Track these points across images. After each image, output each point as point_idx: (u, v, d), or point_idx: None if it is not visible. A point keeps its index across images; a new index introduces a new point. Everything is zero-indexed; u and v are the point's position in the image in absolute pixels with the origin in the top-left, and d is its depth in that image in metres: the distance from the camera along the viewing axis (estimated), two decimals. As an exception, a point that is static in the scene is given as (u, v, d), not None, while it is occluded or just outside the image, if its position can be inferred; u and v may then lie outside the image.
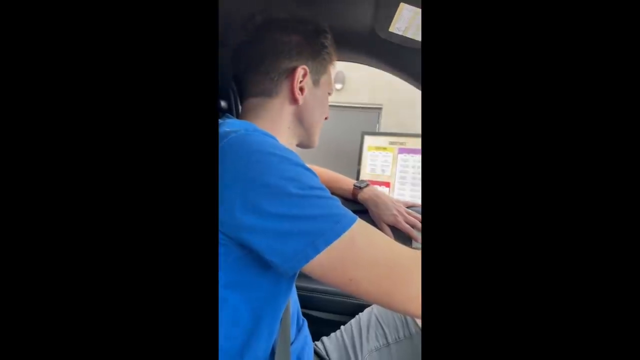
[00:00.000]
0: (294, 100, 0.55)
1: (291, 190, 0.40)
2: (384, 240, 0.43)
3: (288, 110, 0.56)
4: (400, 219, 0.78)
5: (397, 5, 0.58)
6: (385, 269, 0.41)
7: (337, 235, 0.40)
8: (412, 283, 0.41)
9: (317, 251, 0.39)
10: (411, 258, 0.42)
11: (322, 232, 0.40)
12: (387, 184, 2.63)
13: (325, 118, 0.63)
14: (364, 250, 0.41)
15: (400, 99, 3.18)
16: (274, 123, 0.55)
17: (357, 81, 3.39)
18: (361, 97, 3.34)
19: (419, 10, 0.57)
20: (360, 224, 0.42)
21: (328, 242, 0.40)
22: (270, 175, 0.40)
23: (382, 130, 3.21)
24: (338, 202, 0.44)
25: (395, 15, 0.61)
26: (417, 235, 0.79)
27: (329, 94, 0.62)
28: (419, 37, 0.65)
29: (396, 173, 2.58)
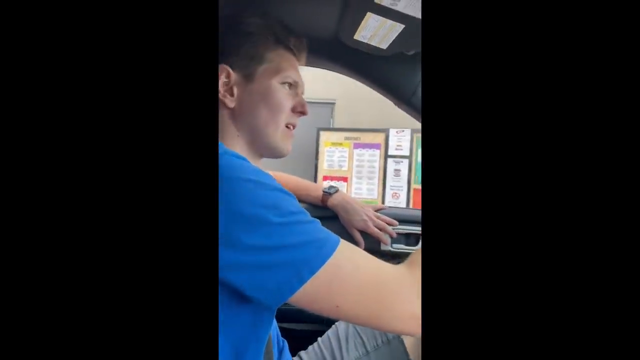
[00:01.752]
0: (223, 105, 0.50)
1: (271, 219, 0.38)
2: (369, 261, 0.43)
3: (226, 117, 0.51)
4: (370, 223, 0.79)
5: (363, 14, 0.57)
6: (372, 292, 0.41)
7: (323, 261, 0.39)
8: (400, 302, 0.41)
9: (303, 281, 0.38)
10: (397, 277, 0.42)
11: (306, 260, 0.38)
12: (345, 179, 2.66)
13: (301, 113, 0.55)
14: (350, 274, 0.40)
15: (353, 94, 3.21)
16: (224, 136, 0.51)
17: (309, 76, 3.37)
18: (314, 92, 3.33)
19: (386, 20, 0.57)
20: (343, 246, 0.41)
21: (314, 271, 0.38)
22: (246, 204, 0.38)
23: (336, 125, 3.23)
24: (319, 224, 0.42)
25: (362, 24, 0.60)
26: (386, 238, 0.81)
27: (288, 83, 0.53)
28: (384, 46, 0.66)
29: (353, 167, 2.61)
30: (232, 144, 0.51)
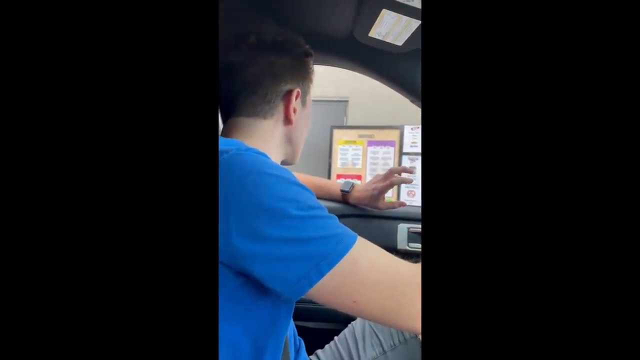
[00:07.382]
0: (288, 122, 0.54)
1: (291, 211, 0.39)
2: (386, 258, 0.42)
3: (280, 130, 0.55)
4: (388, 179, 0.83)
5: (379, 11, 0.57)
6: (389, 289, 0.41)
7: (340, 256, 0.39)
8: (415, 301, 0.41)
9: (321, 275, 0.38)
10: (413, 275, 0.42)
11: (325, 254, 0.39)
12: (359, 177, 2.65)
13: None
14: (367, 270, 0.40)
15: (365, 91, 3.19)
16: (265, 142, 0.53)
17: (322, 74, 3.38)
18: (327, 91, 3.33)
19: (401, 17, 0.56)
20: (361, 243, 0.42)
21: (332, 265, 0.38)
22: (268, 197, 0.38)
23: (349, 123, 3.21)
24: (337, 220, 0.43)
25: (377, 21, 0.59)
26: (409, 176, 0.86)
27: None
28: (399, 42, 0.65)
29: (367, 165, 2.60)
30: (269, 151, 0.54)
